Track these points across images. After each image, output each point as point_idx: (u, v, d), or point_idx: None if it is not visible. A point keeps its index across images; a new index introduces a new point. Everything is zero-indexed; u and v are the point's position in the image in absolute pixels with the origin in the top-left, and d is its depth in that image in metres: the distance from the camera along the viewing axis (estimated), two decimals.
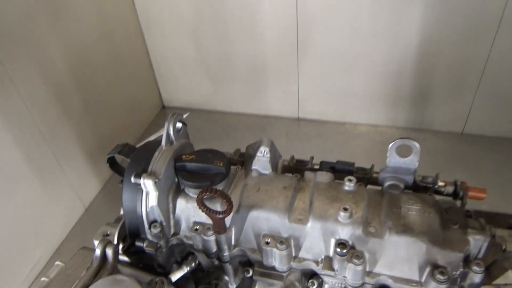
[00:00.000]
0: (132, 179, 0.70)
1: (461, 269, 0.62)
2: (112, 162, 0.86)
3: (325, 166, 0.76)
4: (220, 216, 0.65)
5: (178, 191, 0.75)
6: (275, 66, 2.28)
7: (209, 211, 0.65)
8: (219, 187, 0.73)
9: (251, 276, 0.76)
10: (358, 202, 0.68)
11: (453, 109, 2.16)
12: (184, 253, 0.80)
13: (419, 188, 0.76)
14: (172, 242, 0.76)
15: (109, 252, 0.70)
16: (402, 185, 0.71)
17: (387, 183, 0.72)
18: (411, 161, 0.69)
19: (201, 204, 0.65)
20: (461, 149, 2.11)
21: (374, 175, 0.81)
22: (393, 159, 0.69)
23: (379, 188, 0.76)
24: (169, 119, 0.78)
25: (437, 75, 2.06)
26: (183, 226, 0.75)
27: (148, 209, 0.72)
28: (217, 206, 0.69)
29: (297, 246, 0.69)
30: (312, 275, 0.74)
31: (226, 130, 2.42)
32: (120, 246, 0.78)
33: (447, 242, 0.63)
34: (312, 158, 0.87)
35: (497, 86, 2.00)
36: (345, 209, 0.65)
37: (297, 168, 0.84)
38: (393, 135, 2.28)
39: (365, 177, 0.80)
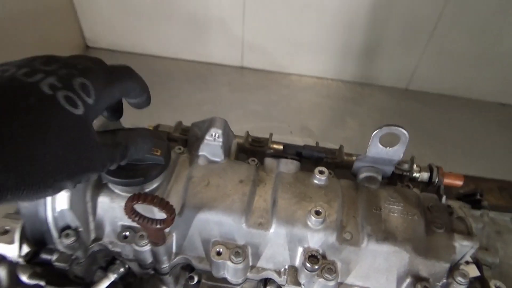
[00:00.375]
0: None
1: (444, 280, 0.54)
2: None
3: (289, 151, 0.62)
4: (158, 227, 0.49)
5: (99, 187, 0.57)
6: (219, 8, 2.02)
7: (143, 221, 0.49)
8: (156, 182, 0.56)
9: (197, 283, 0.63)
10: (331, 201, 0.56)
11: (400, 65, 2.11)
12: (109, 256, 0.63)
13: (394, 176, 0.66)
14: (93, 249, 0.59)
15: (3, 273, 0.51)
16: (380, 177, 0.60)
17: (363, 175, 0.60)
18: (396, 152, 0.57)
19: (131, 213, 0.48)
20: (405, 105, 2.10)
21: (346, 158, 0.69)
22: (375, 149, 0.57)
23: (349, 176, 0.64)
24: None
25: (389, 29, 1.96)
26: (108, 229, 0.58)
27: (56, 214, 0.53)
28: (154, 211, 0.53)
29: (256, 255, 0.56)
30: (269, 279, 0.62)
31: (161, 78, 2.16)
32: (25, 250, 0.59)
33: (432, 250, 0.54)
34: (271, 135, 0.72)
35: (445, 45, 1.96)
36: (318, 213, 0.53)
37: (253, 150, 0.69)
38: (340, 89, 2.20)
39: (333, 162, 0.67)
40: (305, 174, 0.60)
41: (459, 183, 0.68)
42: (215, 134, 0.58)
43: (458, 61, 2.02)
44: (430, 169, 0.68)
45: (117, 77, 0.43)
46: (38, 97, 0.32)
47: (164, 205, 0.46)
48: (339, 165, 0.68)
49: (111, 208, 0.56)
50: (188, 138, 0.63)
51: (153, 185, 0.56)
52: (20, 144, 0.30)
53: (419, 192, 0.65)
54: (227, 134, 0.61)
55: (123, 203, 0.53)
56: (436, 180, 0.68)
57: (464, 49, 1.98)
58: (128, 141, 0.45)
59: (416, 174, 0.68)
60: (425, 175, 0.68)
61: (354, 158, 0.70)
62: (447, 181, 0.68)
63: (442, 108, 2.11)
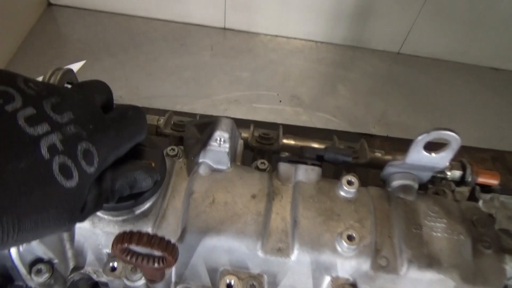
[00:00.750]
0: None
1: None
2: None
3: (308, 154, 0.51)
4: (157, 266, 0.38)
5: None
6: None
7: (136, 260, 0.38)
8: (148, 201, 0.45)
9: None
10: (362, 219, 0.46)
11: (393, 27, 1.98)
12: (93, 281, 0.53)
13: None
14: (73, 279, 0.48)
15: None
16: (416, 185, 0.51)
17: (396, 183, 0.51)
18: (442, 159, 0.47)
19: (122, 254, 0.37)
20: (396, 70, 2.00)
21: (371, 154, 0.59)
22: (417, 155, 0.47)
23: (372, 173, 0.55)
24: (47, 79, 0.44)
25: None
26: (90, 258, 0.47)
27: (21, 249, 0.42)
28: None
29: (273, 284, 0.47)
30: None
31: (136, 40, 1.96)
32: None
33: (480, 276, 0.46)
34: (281, 128, 0.61)
35: (441, 6, 1.84)
36: (351, 238, 0.43)
37: (261, 149, 0.57)
38: (330, 53, 2.07)
39: (356, 163, 0.57)
40: (329, 183, 0.50)
41: (495, 182, 0.60)
42: (221, 139, 0.46)
43: (453, 24, 1.91)
44: (463, 167, 0.60)
45: (128, 138, 0.35)
46: (31, 161, 0.26)
47: (164, 246, 0.36)
48: (363, 165, 0.58)
49: (93, 234, 0.45)
50: (184, 139, 0.51)
51: (145, 205, 0.45)
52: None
53: (452, 192, 0.56)
54: (234, 136, 0.49)
55: (108, 228, 0.42)
56: (469, 179, 0.59)
57: (460, 12, 1.87)
58: (117, 184, 0.35)
59: (447, 173, 0.59)
60: (456, 174, 0.60)
61: (378, 154, 0.60)
62: (481, 180, 0.60)
63: (434, 73, 2.02)
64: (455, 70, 2.06)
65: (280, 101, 1.78)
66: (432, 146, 0.47)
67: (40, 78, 0.41)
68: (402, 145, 1.70)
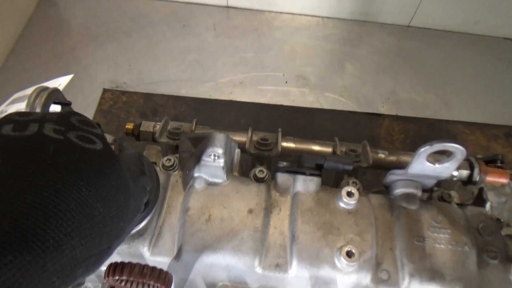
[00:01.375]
0: None
1: None
2: None
3: (307, 164, 0.49)
4: None
5: None
6: None
7: (131, 287, 0.38)
8: (144, 220, 0.44)
9: None
10: (363, 232, 0.45)
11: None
12: None
13: None
14: None
15: None
16: (419, 193, 0.49)
17: (399, 191, 0.49)
18: (446, 169, 0.45)
19: (116, 283, 0.37)
20: (406, 44, 1.93)
21: (374, 156, 0.57)
22: (420, 166, 0.45)
23: (374, 175, 0.53)
24: (31, 103, 0.42)
25: None
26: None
27: None
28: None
29: None
30: None
31: (138, 23, 1.92)
32: None
33: None
34: (279, 133, 0.59)
35: None
36: (350, 255, 0.42)
37: (260, 155, 0.56)
38: (337, 29, 2.00)
39: (359, 167, 0.55)
40: (328, 194, 0.48)
41: (504, 181, 0.58)
42: (215, 155, 0.45)
43: None
44: (470, 166, 0.57)
45: None
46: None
47: (156, 277, 0.35)
48: (364, 168, 0.56)
49: None
50: (179, 152, 0.50)
51: (140, 224, 0.44)
52: None
53: (457, 194, 0.55)
54: (229, 149, 0.48)
55: None
56: (477, 179, 0.57)
57: None
58: None
59: (454, 173, 0.57)
60: (464, 173, 0.57)
61: (381, 155, 0.58)
62: (490, 179, 0.57)
63: (446, 47, 1.95)
64: (468, 42, 1.98)
65: (286, 82, 1.74)
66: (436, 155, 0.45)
67: (23, 103, 0.40)
68: (411, 125, 1.67)
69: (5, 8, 1.69)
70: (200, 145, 0.46)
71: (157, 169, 0.52)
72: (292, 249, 0.44)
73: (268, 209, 0.47)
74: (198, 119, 1.70)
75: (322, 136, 1.63)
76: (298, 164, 0.50)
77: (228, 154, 0.47)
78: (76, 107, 0.64)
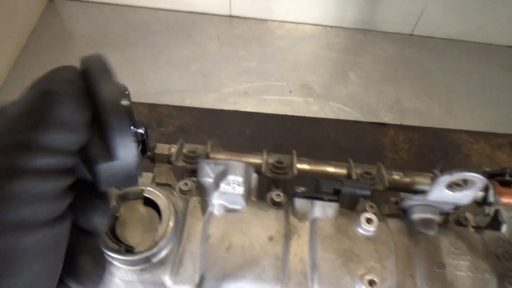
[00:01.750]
0: None
1: None
2: None
3: (324, 189, 0.49)
4: None
5: None
6: None
7: None
8: (166, 249, 0.44)
9: None
10: (383, 259, 0.45)
11: (406, 8, 1.90)
12: None
13: None
14: None
15: None
16: (437, 218, 0.49)
17: (417, 216, 0.49)
18: (465, 197, 0.45)
19: None
20: (409, 53, 1.93)
21: (388, 177, 0.57)
22: (439, 193, 0.45)
23: (393, 213, 0.53)
24: None
25: None
26: None
27: None
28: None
29: None
30: None
31: (141, 32, 1.92)
32: None
33: None
34: (294, 155, 0.59)
35: None
36: (372, 283, 0.42)
37: (276, 179, 0.56)
38: (340, 38, 2.01)
39: (375, 190, 0.55)
40: (347, 220, 0.49)
41: None
42: (235, 182, 0.45)
43: (468, 1, 1.83)
44: (486, 188, 0.57)
45: None
46: None
47: None
48: (380, 191, 0.56)
49: (111, 282, 0.45)
50: (197, 177, 0.50)
51: (162, 253, 0.44)
52: None
53: (472, 216, 0.55)
54: (248, 176, 0.48)
55: (127, 277, 0.42)
56: (492, 200, 0.57)
57: None
58: None
59: None
60: (479, 194, 0.58)
61: (396, 177, 0.58)
62: (505, 200, 0.57)
63: (448, 55, 1.96)
64: (470, 50, 1.99)
65: (290, 91, 1.74)
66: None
67: None
68: (416, 134, 1.67)
69: (9, 19, 1.69)
70: (219, 172, 0.46)
71: (174, 193, 0.52)
72: (313, 277, 0.44)
73: (288, 235, 0.47)
74: (203, 129, 1.70)
75: (327, 146, 1.63)
76: (315, 189, 0.50)
77: (247, 182, 0.47)
78: None
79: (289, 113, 1.65)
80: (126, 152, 0.22)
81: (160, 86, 1.73)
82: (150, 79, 1.74)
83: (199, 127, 1.61)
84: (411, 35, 2.02)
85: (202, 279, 0.44)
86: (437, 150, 1.58)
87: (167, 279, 0.44)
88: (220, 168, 0.46)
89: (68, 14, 1.98)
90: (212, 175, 0.47)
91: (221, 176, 0.46)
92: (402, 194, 0.53)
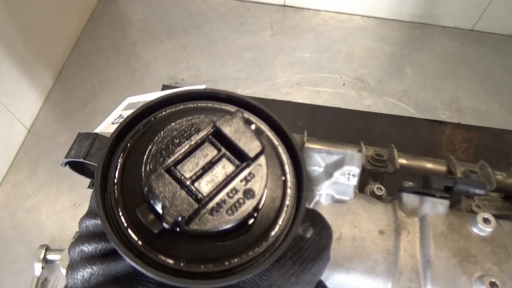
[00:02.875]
0: None
1: None
2: (75, 166, 0.52)
3: (435, 185, 0.48)
4: None
5: None
6: None
7: None
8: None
9: None
10: (502, 262, 0.44)
11: (469, 1, 1.82)
12: None
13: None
14: None
15: None
16: None
17: None
18: None
19: None
20: (469, 49, 1.86)
21: (494, 177, 0.55)
22: None
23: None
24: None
25: None
26: None
27: None
28: None
29: None
30: None
31: (196, 20, 1.94)
32: None
33: None
34: (393, 149, 0.58)
35: None
36: (493, 285, 0.41)
37: (375, 172, 0.55)
38: (396, 31, 1.95)
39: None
40: (458, 218, 0.47)
41: None
42: (350, 173, 0.44)
43: None
44: None
45: None
46: None
47: None
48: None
49: None
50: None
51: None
52: None
53: None
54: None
55: None
56: None
57: None
58: None
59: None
60: None
61: (499, 177, 0.56)
62: None
63: (511, 52, 1.86)
64: None
65: (344, 84, 1.72)
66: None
67: None
68: (475, 134, 1.60)
69: (67, 4, 1.74)
70: (331, 162, 0.46)
71: None
72: (425, 274, 0.44)
73: (398, 230, 0.46)
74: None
75: (381, 141, 1.60)
76: (423, 184, 0.49)
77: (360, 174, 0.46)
78: (137, 103, 0.64)
79: (342, 106, 1.63)
80: None
81: (214, 73, 1.74)
82: (204, 67, 1.75)
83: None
84: (472, 30, 1.93)
85: None
86: (497, 151, 1.52)
87: None
88: (334, 157, 0.45)
89: (125, 0, 2.02)
90: (322, 164, 0.47)
91: (334, 166, 0.45)
92: None
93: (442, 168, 0.57)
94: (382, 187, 0.51)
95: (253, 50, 1.83)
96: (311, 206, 0.48)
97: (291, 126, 1.58)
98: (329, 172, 0.46)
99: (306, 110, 1.61)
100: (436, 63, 1.80)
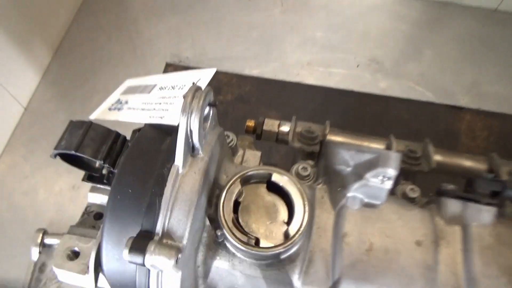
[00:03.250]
0: (127, 256, 0.32)
1: None
2: (66, 157, 0.46)
3: (481, 189, 0.41)
4: None
5: (214, 247, 0.39)
6: None
7: None
8: (296, 244, 0.38)
9: None
10: None
11: None
12: None
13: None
14: None
15: None
16: None
17: None
18: None
19: None
20: (492, 31, 1.75)
21: None
22: None
23: None
24: (188, 105, 0.36)
25: None
26: None
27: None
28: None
29: None
30: None
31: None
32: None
33: None
34: (428, 143, 0.50)
35: None
36: None
37: (407, 170, 0.48)
38: (414, 10, 1.84)
39: None
40: (506, 228, 0.40)
41: None
42: (386, 176, 0.37)
43: None
44: None
45: None
46: None
47: None
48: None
49: (231, 275, 0.40)
50: (329, 164, 0.43)
51: (292, 249, 0.38)
52: None
53: None
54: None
55: (249, 271, 0.36)
56: None
57: None
58: None
59: None
60: None
61: None
62: None
63: None
64: None
65: (358, 66, 1.62)
66: None
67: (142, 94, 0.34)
68: (496, 121, 1.51)
69: None
70: (361, 161, 0.39)
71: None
72: None
73: (436, 241, 0.39)
74: (263, 100, 1.61)
75: (395, 126, 1.52)
76: (465, 187, 0.42)
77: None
78: (137, 87, 0.58)
79: (356, 89, 1.54)
80: None
81: (220, 52, 1.65)
82: (210, 45, 1.66)
83: (259, 98, 1.53)
84: (496, 10, 1.82)
85: (337, 283, 0.38)
86: None
87: (295, 278, 0.38)
88: (366, 157, 0.38)
89: None
90: (351, 163, 0.40)
91: (365, 166, 0.38)
92: None
93: (482, 166, 0.50)
94: (417, 188, 0.44)
95: (262, 27, 1.73)
96: (337, 209, 0.41)
97: (300, 110, 1.49)
98: (359, 173, 0.39)
99: (317, 93, 1.53)
100: (456, 45, 1.69)
